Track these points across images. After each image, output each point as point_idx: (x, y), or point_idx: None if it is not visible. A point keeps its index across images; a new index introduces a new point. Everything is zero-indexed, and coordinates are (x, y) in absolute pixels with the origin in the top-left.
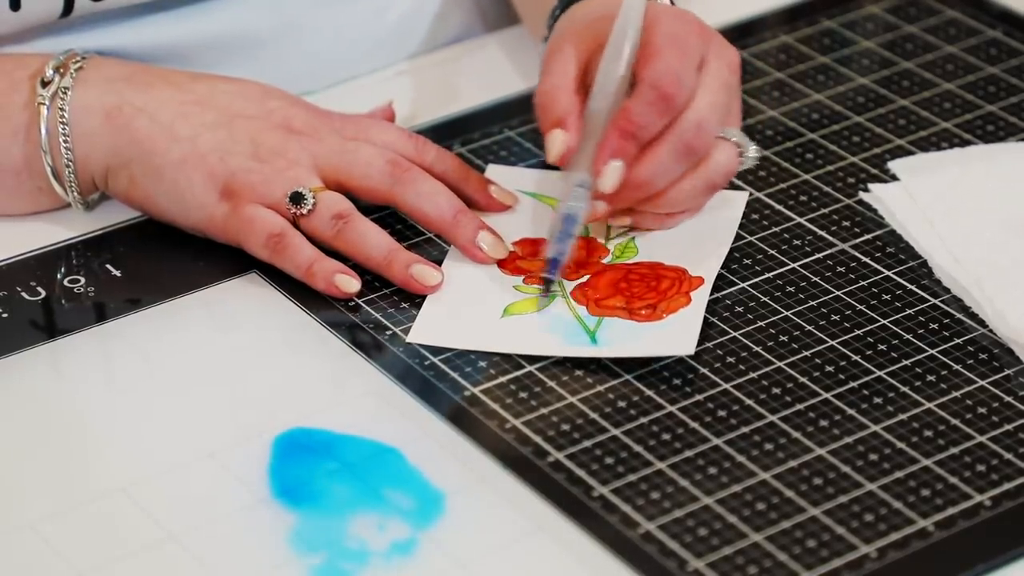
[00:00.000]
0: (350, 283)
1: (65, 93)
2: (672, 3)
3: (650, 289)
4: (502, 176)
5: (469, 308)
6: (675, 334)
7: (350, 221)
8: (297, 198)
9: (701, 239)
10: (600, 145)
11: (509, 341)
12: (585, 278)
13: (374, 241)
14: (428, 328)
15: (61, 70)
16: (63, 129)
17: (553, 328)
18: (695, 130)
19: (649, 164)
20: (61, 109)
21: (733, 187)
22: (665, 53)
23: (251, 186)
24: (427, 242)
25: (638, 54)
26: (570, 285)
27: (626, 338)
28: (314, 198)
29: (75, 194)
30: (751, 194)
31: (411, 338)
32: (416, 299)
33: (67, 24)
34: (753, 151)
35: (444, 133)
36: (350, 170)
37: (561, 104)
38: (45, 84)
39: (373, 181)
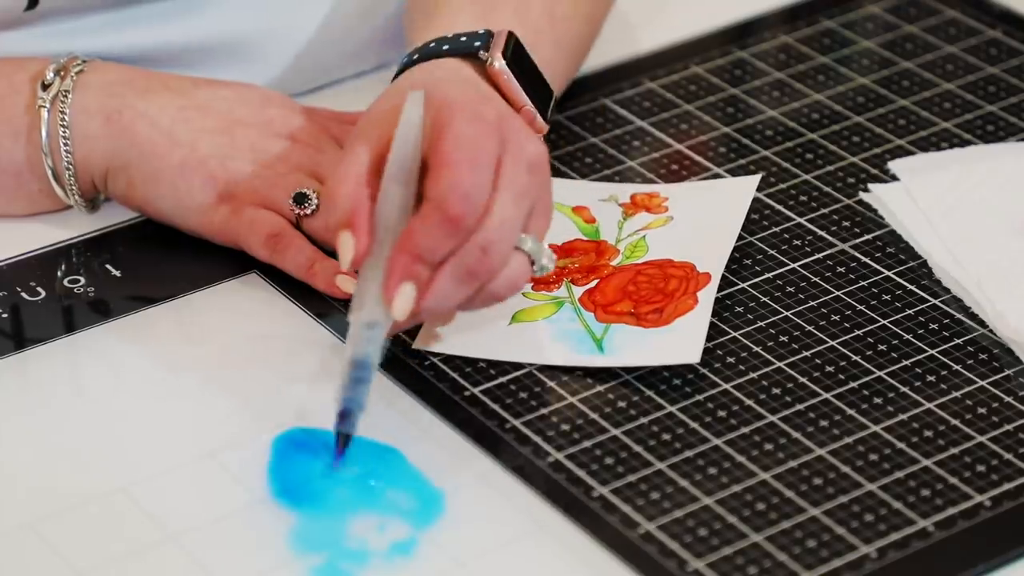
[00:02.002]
0: (351, 283)
1: (66, 96)
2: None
3: (657, 291)
4: None
5: (477, 314)
6: (681, 341)
7: None
8: (301, 198)
9: (711, 228)
10: (389, 270)
11: (516, 350)
12: (594, 283)
13: None
14: (434, 334)
15: (62, 73)
16: (63, 132)
17: (560, 336)
18: (479, 255)
19: (431, 293)
20: (61, 112)
21: (744, 173)
22: (454, 166)
23: (253, 189)
24: None
25: (428, 161)
26: (579, 291)
27: (633, 346)
28: (317, 198)
29: (76, 196)
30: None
31: (417, 344)
32: None
33: (48, 26)
34: (545, 260)
35: None
36: None
37: (350, 200)
38: (46, 87)
39: None
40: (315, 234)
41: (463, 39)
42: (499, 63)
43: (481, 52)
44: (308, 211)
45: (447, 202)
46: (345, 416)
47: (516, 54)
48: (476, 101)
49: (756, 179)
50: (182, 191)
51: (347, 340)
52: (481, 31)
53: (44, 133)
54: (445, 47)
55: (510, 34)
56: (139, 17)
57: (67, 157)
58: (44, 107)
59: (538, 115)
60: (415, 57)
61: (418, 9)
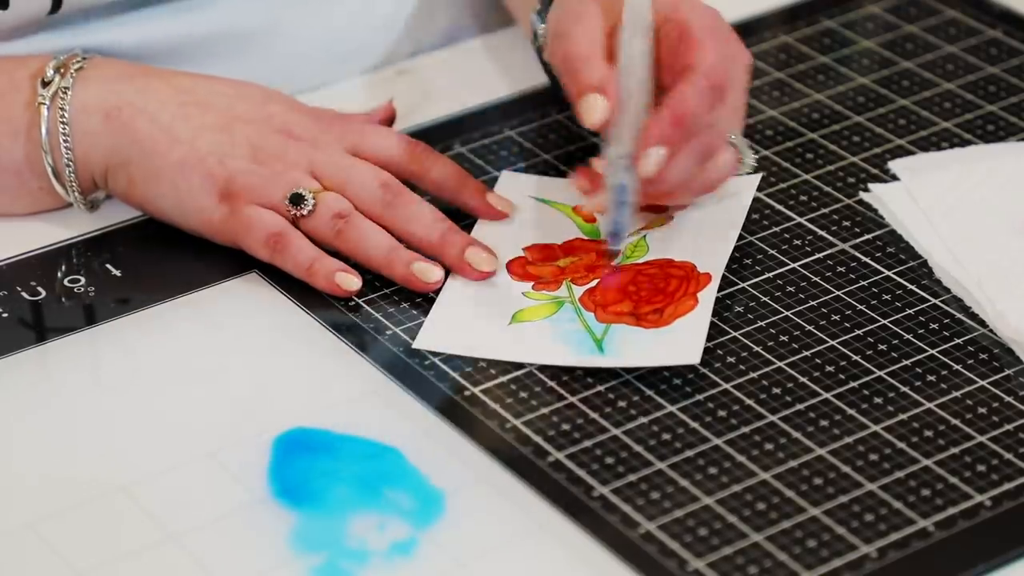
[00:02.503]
0: (351, 281)
1: (65, 93)
2: None
3: (658, 291)
4: (516, 183)
5: (477, 314)
6: (681, 342)
7: (350, 220)
8: (297, 199)
9: (712, 228)
10: (649, 125)
11: (516, 349)
12: (594, 283)
13: (375, 240)
14: (435, 334)
15: (62, 70)
16: (63, 129)
17: (561, 336)
18: (716, 134)
19: (674, 162)
20: (61, 109)
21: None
22: (710, 44)
23: (250, 188)
24: None
25: (674, 41)
26: (579, 290)
27: (633, 346)
28: (314, 199)
29: (76, 194)
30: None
31: (418, 344)
32: (417, 298)
33: (56, 22)
34: (749, 160)
35: (444, 133)
36: (343, 189)
37: (597, 70)
38: (46, 84)
39: (365, 204)
40: (313, 234)
41: None
42: None
43: None
44: (304, 212)
45: (713, 72)
46: (615, 235)
47: None
48: None
49: (756, 178)
50: (182, 191)
51: (605, 171)
52: None
53: (44, 130)
54: None
55: None
56: (147, 13)
57: (67, 154)
58: (44, 104)
59: None
60: None
61: None
